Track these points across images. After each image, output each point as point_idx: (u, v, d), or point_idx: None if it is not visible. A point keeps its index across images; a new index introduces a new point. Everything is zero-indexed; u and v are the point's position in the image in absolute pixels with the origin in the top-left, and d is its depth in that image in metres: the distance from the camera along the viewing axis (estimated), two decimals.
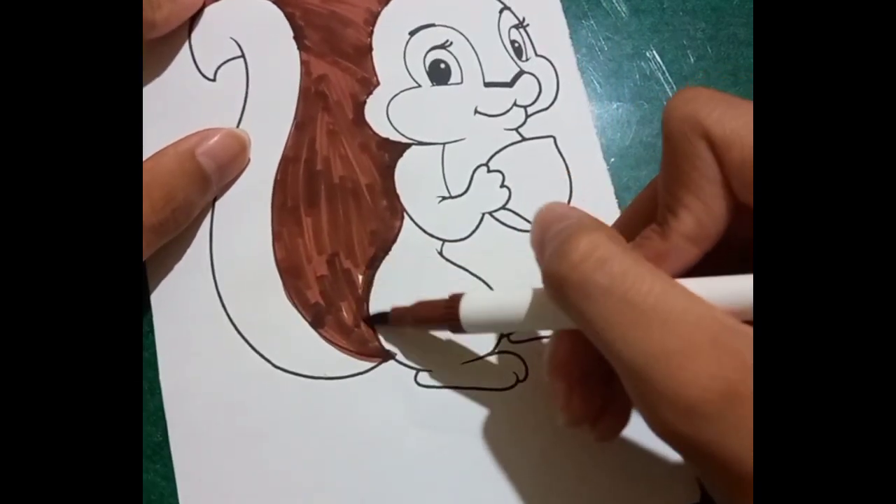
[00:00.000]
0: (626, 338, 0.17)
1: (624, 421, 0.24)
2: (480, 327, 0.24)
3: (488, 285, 0.28)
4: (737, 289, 0.19)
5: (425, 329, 0.27)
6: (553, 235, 0.20)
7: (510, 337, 0.28)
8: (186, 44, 0.29)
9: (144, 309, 0.27)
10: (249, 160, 0.28)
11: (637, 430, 0.24)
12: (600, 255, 0.18)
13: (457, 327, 0.24)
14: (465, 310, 0.24)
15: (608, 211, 0.29)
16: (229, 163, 0.27)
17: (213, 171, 0.27)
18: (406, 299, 0.28)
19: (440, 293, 0.28)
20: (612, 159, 0.30)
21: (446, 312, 0.24)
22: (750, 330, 0.17)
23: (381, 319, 0.27)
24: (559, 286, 0.19)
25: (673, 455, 0.26)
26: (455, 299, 0.24)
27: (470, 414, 0.27)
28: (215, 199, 0.28)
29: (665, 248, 0.21)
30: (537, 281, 0.20)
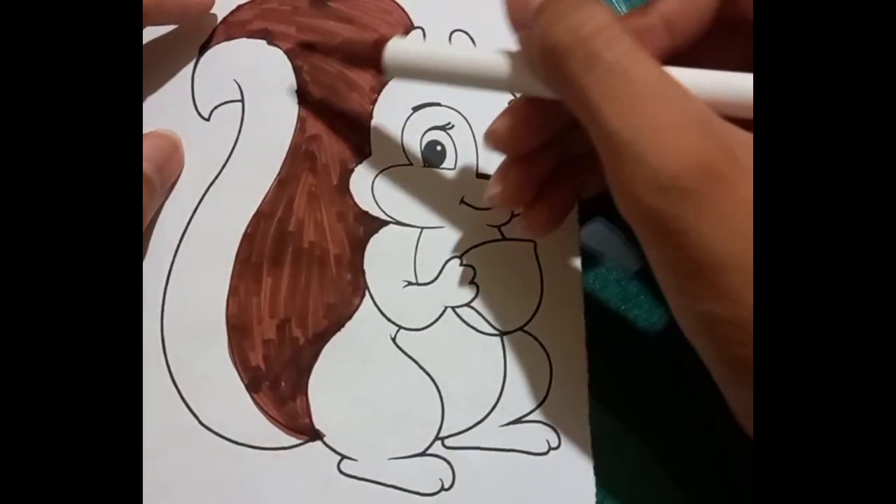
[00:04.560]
0: (620, 111, 0.19)
1: (557, 221, 0.26)
2: (405, 71, 0.25)
3: (435, 382, 0.27)
4: (719, 82, 0.21)
5: (349, 67, 0.28)
6: (554, 2, 0.21)
7: (445, 441, 0.27)
8: (190, 77, 0.29)
9: None
10: (183, 164, 0.28)
11: None
12: (610, 33, 0.20)
13: (380, 67, 0.25)
14: (392, 50, 0.25)
15: (574, 331, 0.28)
16: (165, 163, 0.27)
17: (152, 173, 0.26)
18: (349, 380, 0.27)
19: (385, 380, 0.27)
20: None
21: (373, 48, 0.25)
22: (729, 124, 0.19)
23: (308, 46, 0.28)
24: (561, 55, 0.20)
25: None
26: (383, 39, 0.25)
27: None
28: (182, 237, 0.28)
29: (642, 25, 0.22)
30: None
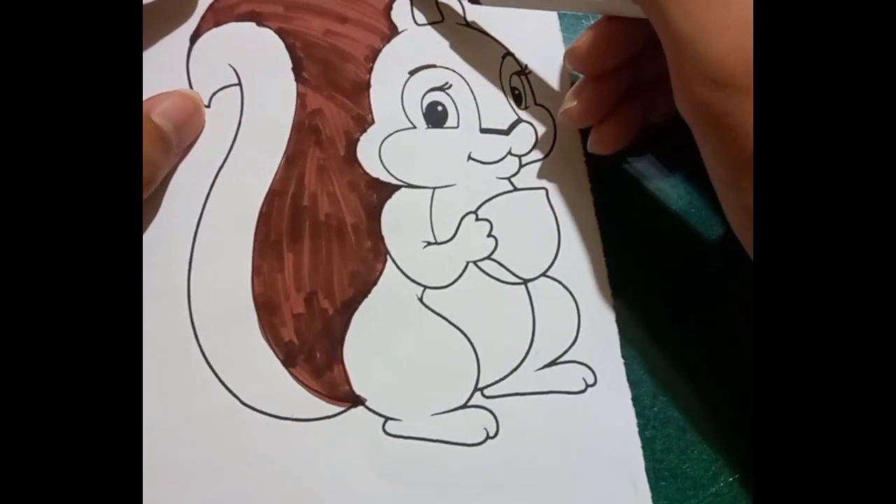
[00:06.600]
0: (685, 11, 0.21)
1: (625, 139, 0.28)
2: None
3: (467, 336, 0.28)
4: None
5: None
6: None
7: (484, 391, 0.27)
8: (184, 67, 0.29)
9: None
10: (205, 122, 0.29)
11: None
12: None
13: None
14: None
15: (596, 269, 0.28)
16: (185, 122, 0.28)
17: (171, 132, 0.27)
18: (382, 344, 0.27)
19: (418, 340, 0.27)
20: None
21: None
22: None
23: None
24: None
25: None
26: None
27: (435, 468, 0.26)
28: (198, 225, 0.28)
29: None
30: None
